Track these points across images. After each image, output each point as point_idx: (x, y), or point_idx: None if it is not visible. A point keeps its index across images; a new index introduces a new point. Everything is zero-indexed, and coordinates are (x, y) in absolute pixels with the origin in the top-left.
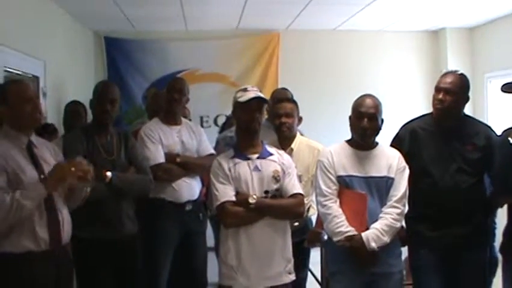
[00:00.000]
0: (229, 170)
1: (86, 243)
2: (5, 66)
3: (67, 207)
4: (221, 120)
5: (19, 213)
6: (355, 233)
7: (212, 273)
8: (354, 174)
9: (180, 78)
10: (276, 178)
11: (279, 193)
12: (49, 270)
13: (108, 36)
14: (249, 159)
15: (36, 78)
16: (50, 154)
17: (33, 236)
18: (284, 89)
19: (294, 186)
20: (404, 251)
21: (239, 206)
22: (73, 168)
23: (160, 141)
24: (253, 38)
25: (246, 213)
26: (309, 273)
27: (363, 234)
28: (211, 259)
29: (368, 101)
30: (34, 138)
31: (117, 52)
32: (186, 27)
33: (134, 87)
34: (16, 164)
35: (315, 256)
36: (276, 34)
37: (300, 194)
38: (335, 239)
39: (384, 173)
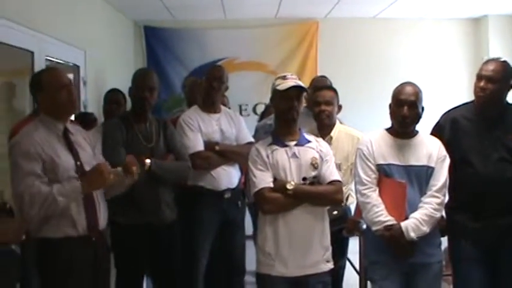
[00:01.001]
0: (267, 157)
1: (125, 229)
2: (47, 55)
3: (106, 194)
4: (260, 109)
5: (53, 208)
6: (394, 222)
7: (250, 262)
8: (394, 162)
9: (219, 66)
10: (314, 165)
11: (316, 180)
12: (86, 254)
13: (147, 26)
14: (287, 146)
15: (76, 67)
16: (85, 141)
17: (72, 222)
18: (323, 76)
19: (332, 173)
20: (444, 241)
21: (277, 193)
22: (112, 176)
23: (199, 129)
24: (292, 27)
25: (284, 199)
26: (347, 262)
27: (402, 224)
28: (249, 247)
29: (408, 88)
30: (70, 125)
31: (156, 41)
32: (225, 15)
33: (173, 76)
34: (53, 150)
35: (354, 245)
36: (315, 22)
37: (338, 181)
38: (374, 228)
39: (423, 162)
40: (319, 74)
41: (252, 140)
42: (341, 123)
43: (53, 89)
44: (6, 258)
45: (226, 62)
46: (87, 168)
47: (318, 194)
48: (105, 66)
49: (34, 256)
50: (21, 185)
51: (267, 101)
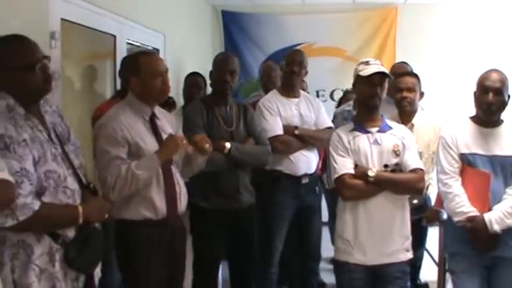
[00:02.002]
0: (349, 143)
1: (205, 212)
2: (128, 39)
3: (183, 175)
4: (337, 95)
5: (135, 183)
6: (477, 213)
7: (324, 248)
8: (477, 152)
9: (299, 50)
10: (396, 152)
11: (398, 168)
12: (164, 236)
13: (225, 10)
14: (368, 132)
15: (156, 51)
16: (170, 125)
17: (152, 206)
18: (404, 63)
19: (414, 161)
20: None
21: (358, 179)
22: (184, 141)
23: (278, 113)
24: (371, 12)
25: (364, 186)
26: (425, 252)
27: (485, 216)
28: (324, 233)
29: (494, 75)
30: (156, 109)
31: (234, 26)
32: (303, 0)
33: (251, 60)
34: (139, 134)
35: (433, 235)
36: (394, 8)
37: (421, 169)
38: (455, 219)
39: (509, 152)
40: (397, 60)
41: (331, 125)
42: (423, 110)
43: (149, 75)
44: (90, 236)
45: (303, 47)
46: None
47: (400, 182)
48: (183, 50)
49: (113, 236)
50: (106, 169)
51: (344, 86)
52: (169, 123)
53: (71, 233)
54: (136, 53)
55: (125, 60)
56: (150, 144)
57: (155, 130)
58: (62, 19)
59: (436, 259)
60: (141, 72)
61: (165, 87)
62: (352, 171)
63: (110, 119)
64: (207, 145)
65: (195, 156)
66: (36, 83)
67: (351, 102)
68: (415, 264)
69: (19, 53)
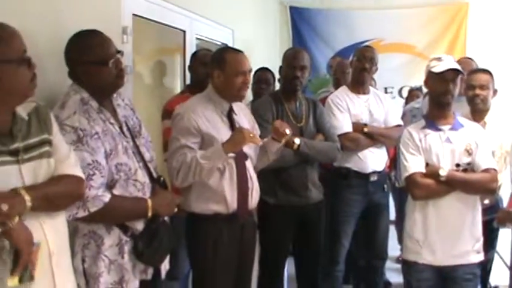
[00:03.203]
0: (420, 141)
1: (273, 208)
2: (197, 34)
3: (256, 166)
4: (406, 92)
5: (198, 172)
6: None
7: (391, 247)
8: None
9: (370, 47)
10: (468, 151)
11: (470, 167)
12: (234, 230)
13: (293, 6)
14: (440, 130)
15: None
16: (247, 119)
17: (223, 201)
18: (469, 58)
19: (487, 160)
20: None
21: (429, 178)
22: (252, 134)
23: (347, 110)
24: (441, 8)
25: (436, 185)
26: (495, 255)
27: None
28: (391, 232)
29: None
30: (234, 104)
31: (301, 21)
32: None
33: (318, 56)
34: (214, 127)
35: (505, 237)
36: (465, 4)
37: (494, 169)
38: None
39: None
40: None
41: (401, 122)
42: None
43: (233, 72)
44: (158, 230)
45: (372, 43)
46: (246, 149)
47: (472, 182)
48: (251, 45)
49: (183, 229)
50: (173, 156)
51: (413, 83)
52: (246, 117)
53: (140, 225)
54: (225, 48)
55: (214, 53)
56: (225, 137)
57: (231, 124)
58: (134, 14)
59: (508, 262)
60: (226, 67)
61: (245, 87)
62: (423, 170)
63: (187, 109)
64: (287, 129)
65: (270, 145)
66: (110, 78)
67: (420, 100)
68: (485, 267)
69: (94, 48)
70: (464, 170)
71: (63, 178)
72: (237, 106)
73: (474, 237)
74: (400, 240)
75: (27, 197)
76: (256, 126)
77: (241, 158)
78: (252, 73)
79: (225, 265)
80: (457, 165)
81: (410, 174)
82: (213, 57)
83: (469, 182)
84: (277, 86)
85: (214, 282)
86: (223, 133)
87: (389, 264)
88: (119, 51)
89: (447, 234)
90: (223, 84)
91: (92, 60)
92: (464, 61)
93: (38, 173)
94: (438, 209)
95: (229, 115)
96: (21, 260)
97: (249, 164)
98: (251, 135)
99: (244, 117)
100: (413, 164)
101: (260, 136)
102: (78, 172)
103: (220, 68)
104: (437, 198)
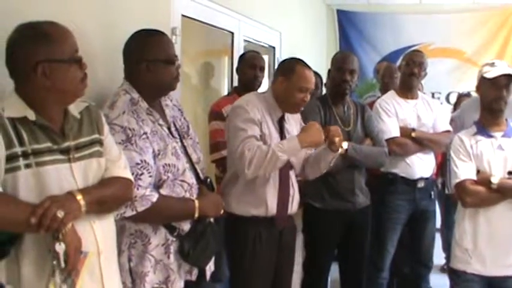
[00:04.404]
0: (471, 147)
1: (318, 212)
2: (245, 36)
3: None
4: (454, 98)
5: (273, 163)
6: None
7: (436, 255)
8: None
9: (420, 51)
10: None
11: None
12: (273, 233)
13: (340, 9)
14: (492, 137)
15: (272, 49)
16: (296, 126)
17: (263, 206)
18: None
19: None
20: None
21: (480, 186)
22: (323, 136)
23: (395, 115)
24: (491, 12)
25: (487, 193)
26: None
27: None
28: (436, 240)
29: None
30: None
31: (349, 25)
32: (420, 0)
33: (365, 60)
34: (268, 129)
35: None
36: None
37: None
38: None
39: None
40: None
41: (450, 128)
42: None
43: (297, 85)
44: (204, 231)
45: (420, 47)
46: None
47: None
48: (298, 48)
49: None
50: (243, 144)
51: (461, 89)
52: (295, 123)
53: (186, 226)
54: (297, 59)
55: (244, 56)
56: (275, 140)
57: (281, 131)
58: (183, 15)
59: None
60: (292, 78)
61: (303, 104)
62: (474, 177)
63: (248, 102)
64: (338, 138)
65: (325, 155)
66: (170, 77)
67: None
68: None
69: (162, 46)
70: None
71: (115, 181)
72: (289, 115)
73: None
74: (445, 248)
75: (82, 202)
76: None
77: (285, 165)
78: None
79: (263, 267)
80: (509, 173)
81: (461, 181)
82: (282, 63)
83: None
84: (324, 89)
85: (253, 283)
86: (274, 136)
87: (434, 272)
88: (176, 56)
89: (498, 243)
90: (283, 93)
91: (159, 58)
92: None
93: (88, 172)
94: (489, 217)
95: (280, 122)
96: (67, 266)
97: (291, 173)
98: (323, 136)
99: (294, 123)
100: (464, 171)
101: None
102: (128, 174)
103: (286, 76)
104: (488, 206)
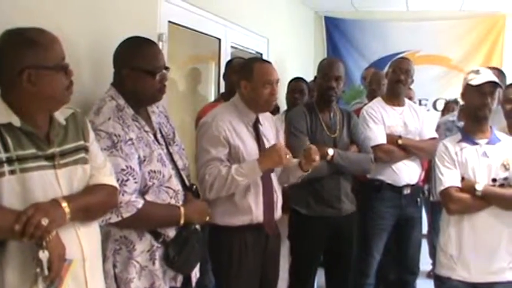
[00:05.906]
0: (456, 154)
1: (304, 219)
2: (232, 42)
3: (280, 180)
4: (441, 104)
5: (234, 187)
6: None
7: (422, 261)
8: None
9: (406, 58)
10: (505, 166)
11: (507, 182)
12: (258, 241)
13: (328, 16)
14: (477, 144)
15: (259, 55)
16: (271, 129)
17: (249, 214)
18: (496, 69)
19: None
20: None
21: (465, 193)
22: (288, 156)
23: (382, 122)
24: (477, 20)
25: (471, 200)
26: None
27: None
28: (423, 246)
29: None
30: (260, 115)
31: (336, 32)
32: (407, 7)
33: (352, 67)
34: (241, 137)
35: None
36: (502, 16)
37: None
38: None
39: None
40: (505, 70)
41: (436, 135)
42: None
43: (260, 83)
44: (190, 237)
45: (407, 55)
46: None
47: (509, 198)
48: (286, 54)
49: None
50: (205, 168)
51: (448, 96)
52: (271, 127)
53: (171, 232)
54: (253, 58)
55: (242, 63)
56: (250, 148)
57: (257, 136)
58: (170, 22)
59: None
60: (253, 77)
61: (272, 97)
62: (459, 184)
63: (214, 117)
64: (317, 157)
65: (294, 171)
66: (152, 89)
67: (455, 113)
68: None
69: (147, 57)
70: (501, 186)
71: (100, 188)
72: (262, 115)
73: (510, 254)
74: (432, 254)
75: (67, 210)
76: (280, 134)
77: (267, 171)
78: (286, 83)
79: (249, 274)
80: (494, 180)
81: (446, 188)
82: (240, 67)
83: (506, 198)
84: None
85: None
86: (248, 144)
87: (420, 278)
88: (167, 68)
89: (482, 250)
90: (250, 95)
91: (141, 68)
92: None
93: (73, 179)
94: (473, 224)
95: (255, 126)
96: (50, 273)
97: (273, 176)
98: (287, 156)
99: (269, 127)
100: (448, 178)
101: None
102: (113, 181)
103: (247, 78)
104: (472, 213)
